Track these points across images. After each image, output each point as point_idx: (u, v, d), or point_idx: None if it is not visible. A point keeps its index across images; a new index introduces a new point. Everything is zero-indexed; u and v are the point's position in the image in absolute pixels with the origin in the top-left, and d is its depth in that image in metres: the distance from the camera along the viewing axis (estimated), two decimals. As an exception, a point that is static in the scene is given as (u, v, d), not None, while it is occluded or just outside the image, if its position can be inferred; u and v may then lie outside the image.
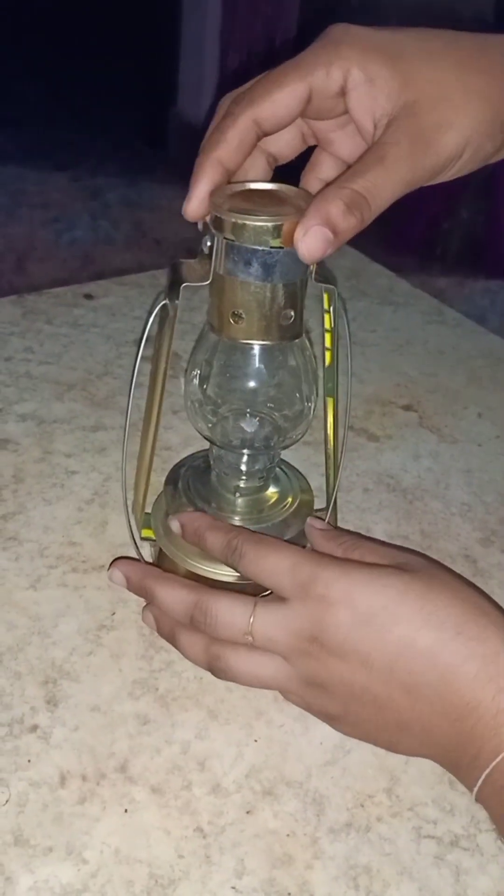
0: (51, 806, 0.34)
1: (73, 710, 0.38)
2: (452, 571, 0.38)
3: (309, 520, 0.44)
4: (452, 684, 0.33)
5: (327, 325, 0.43)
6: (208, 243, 0.36)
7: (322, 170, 0.41)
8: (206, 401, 0.43)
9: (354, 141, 0.38)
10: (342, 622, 0.35)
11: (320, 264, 0.39)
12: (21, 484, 0.51)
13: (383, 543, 0.41)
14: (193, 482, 0.46)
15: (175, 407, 0.57)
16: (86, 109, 2.93)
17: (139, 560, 0.43)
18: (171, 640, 0.40)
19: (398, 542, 0.49)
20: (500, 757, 0.32)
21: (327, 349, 0.44)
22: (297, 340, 0.41)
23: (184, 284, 0.37)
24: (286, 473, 0.48)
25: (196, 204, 0.36)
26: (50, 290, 0.71)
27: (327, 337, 0.43)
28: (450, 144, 0.35)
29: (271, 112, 0.35)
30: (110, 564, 0.44)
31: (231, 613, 0.37)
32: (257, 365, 0.42)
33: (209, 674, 0.39)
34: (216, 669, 0.38)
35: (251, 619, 0.36)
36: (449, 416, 0.61)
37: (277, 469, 0.48)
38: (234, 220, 0.35)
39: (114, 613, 0.43)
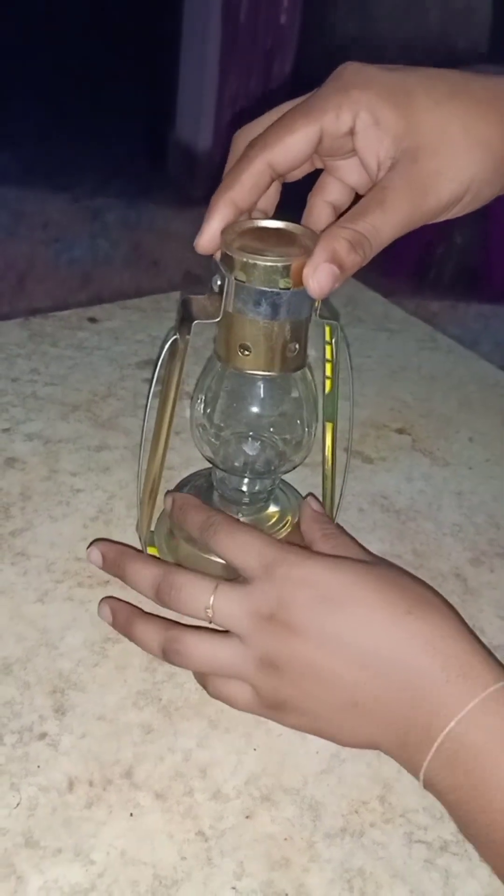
0: (59, 810, 0.36)
1: (80, 718, 0.40)
2: (406, 571, 0.41)
3: (309, 497, 0.46)
4: (405, 657, 0.35)
5: (328, 356, 0.45)
6: (218, 282, 0.38)
7: (328, 193, 0.43)
8: (210, 425, 0.45)
9: (360, 170, 0.41)
10: (303, 600, 0.37)
11: (324, 301, 0.41)
12: (28, 501, 0.53)
13: (360, 546, 0.43)
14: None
15: (177, 428, 0.59)
16: (86, 131, 2.97)
17: (117, 542, 0.46)
18: (126, 629, 0.42)
19: (391, 561, 0.51)
20: (453, 721, 0.34)
21: (328, 377, 0.46)
22: (299, 371, 0.44)
23: (195, 322, 0.39)
24: (285, 493, 0.50)
25: (207, 239, 0.39)
26: (55, 313, 0.73)
27: (328, 366, 0.46)
28: (448, 191, 0.37)
29: (284, 156, 0.38)
30: (89, 545, 0.46)
31: (194, 587, 0.39)
32: (261, 394, 0.44)
33: (210, 685, 0.41)
34: (171, 652, 0.40)
35: (213, 594, 0.39)
36: (441, 440, 0.63)
37: (277, 489, 0.50)
38: (245, 259, 0.37)
39: (118, 627, 0.45)
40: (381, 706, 0.36)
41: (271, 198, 0.41)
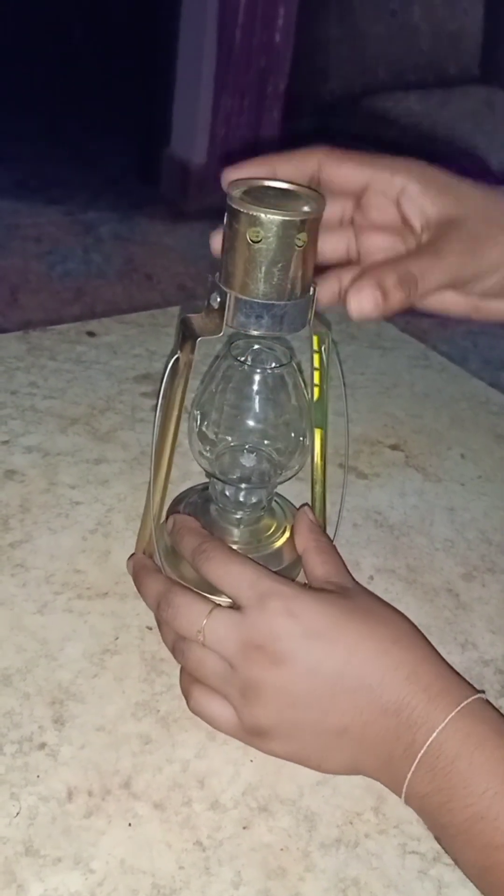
0: (59, 819, 0.36)
1: (80, 729, 0.40)
2: (382, 600, 0.42)
3: (305, 507, 0.47)
4: (391, 684, 0.37)
5: (316, 364, 0.46)
6: (218, 299, 0.39)
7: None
8: (207, 439, 0.46)
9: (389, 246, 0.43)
10: (293, 633, 0.38)
11: (318, 314, 0.42)
12: (28, 513, 0.53)
13: (345, 568, 0.44)
14: (195, 515, 0.49)
15: (174, 442, 0.60)
16: (81, 146, 2.99)
17: (150, 558, 0.47)
18: (159, 620, 0.44)
19: (385, 576, 0.52)
20: (434, 734, 0.36)
21: (315, 385, 0.47)
22: (293, 385, 0.45)
23: (199, 339, 0.39)
24: (280, 506, 0.51)
25: (235, 177, 0.39)
26: (53, 326, 0.74)
27: (316, 374, 0.47)
28: (492, 257, 0.40)
29: (334, 170, 0.41)
30: (129, 557, 0.49)
31: (189, 609, 0.41)
32: (257, 407, 0.45)
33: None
34: (177, 652, 0.42)
35: (206, 618, 0.40)
36: (433, 457, 0.64)
37: (273, 502, 0.51)
38: (261, 214, 0.35)
39: (117, 638, 0.45)
40: (370, 731, 0.37)
41: None
